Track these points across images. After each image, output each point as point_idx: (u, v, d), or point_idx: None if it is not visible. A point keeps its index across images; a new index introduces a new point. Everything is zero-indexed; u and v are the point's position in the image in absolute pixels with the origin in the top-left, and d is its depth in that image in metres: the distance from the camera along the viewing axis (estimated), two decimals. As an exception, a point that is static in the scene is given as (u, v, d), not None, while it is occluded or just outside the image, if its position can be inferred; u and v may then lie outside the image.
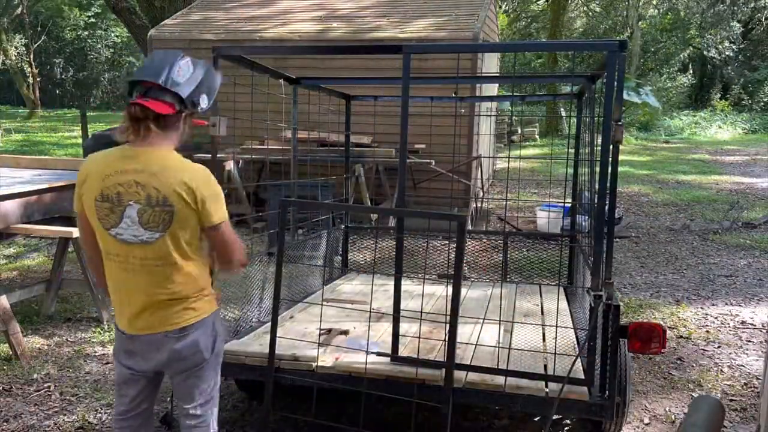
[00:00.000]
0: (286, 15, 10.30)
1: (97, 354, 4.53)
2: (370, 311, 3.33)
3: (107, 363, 4.37)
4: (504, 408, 3.49)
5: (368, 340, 3.06)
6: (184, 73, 2.15)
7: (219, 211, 2.19)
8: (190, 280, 2.23)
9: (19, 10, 28.86)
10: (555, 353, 2.92)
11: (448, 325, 2.64)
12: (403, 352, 2.98)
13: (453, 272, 2.64)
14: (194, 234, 2.19)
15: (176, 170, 2.13)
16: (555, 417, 3.29)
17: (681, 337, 4.95)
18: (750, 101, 26.63)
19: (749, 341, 4.88)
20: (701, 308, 5.62)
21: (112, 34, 33.66)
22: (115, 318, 2.33)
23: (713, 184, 12.17)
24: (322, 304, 3.32)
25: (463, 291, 4.49)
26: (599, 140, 2.72)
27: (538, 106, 20.78)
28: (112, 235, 2.16)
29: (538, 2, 29.46)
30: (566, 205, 5.78)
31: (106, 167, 2.16)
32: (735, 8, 26.67)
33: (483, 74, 8.74)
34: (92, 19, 32.97)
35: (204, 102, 2.22)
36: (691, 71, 28.53)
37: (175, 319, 2.23)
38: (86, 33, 33.76)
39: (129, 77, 2.18)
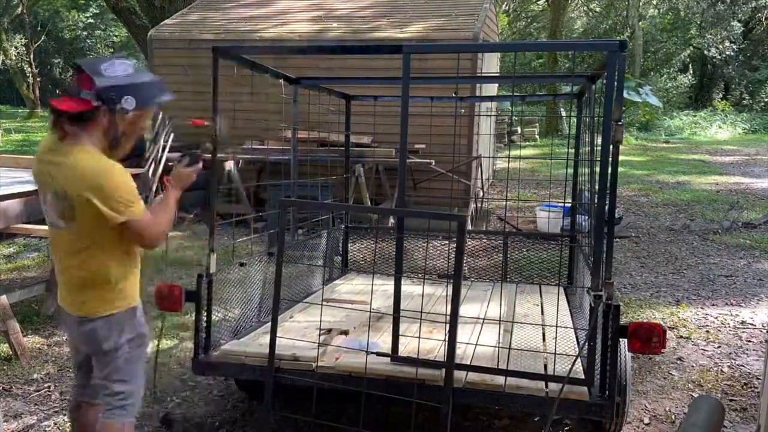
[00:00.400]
0: (286, 15, 10.30)
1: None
2: (370, 311, 3.33)
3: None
4: (504, 408, 3.49)
5: (368, 340, 3.06)
6: (115, 70, 2.24)
7: (123, 209, 2.22)
8: (100, 271, 2.35)
9: (19, 10, 28.85)
10: (555, 353, 2.92)
11: (448, 326, 2.64)
12: (403, 352, 2.98)
13: (453, 272, 2.64)
14: (100, 227, 2.26)
15: (81, 168, 2.20)
16: (555, 417, 3.28)
17: (681, 337, 4.95)
18: (750, 101, 26.64)
19: (749, 341, 4.88)
20: (701, 308, 5.62)
21: (112, 34, 33.67)
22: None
23: (713, 184, 12.16)
24: (322, 304, 3.32)
25: (463, 291, 4.49)
26: (599, 140, 2.72)
27: (538, 106, 20.78)
28: (44, 213, 2.38)
29: (538, 2, 29.46)
30: (566, 205, 5.78)
31: (40, 150, 2.38)
32: (735, 8, 26.66)
33: (483, 74, 8.74)
34: (91, 20, 32.97)
35: (127, 104, 2.25)
36: (691, 71, 28.54)
37: (80, 305, 2.41)
38: (86, 33, 33.77)
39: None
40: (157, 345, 3.89)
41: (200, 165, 2.55)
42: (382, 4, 10.29)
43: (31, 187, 4.75)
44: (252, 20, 10.18)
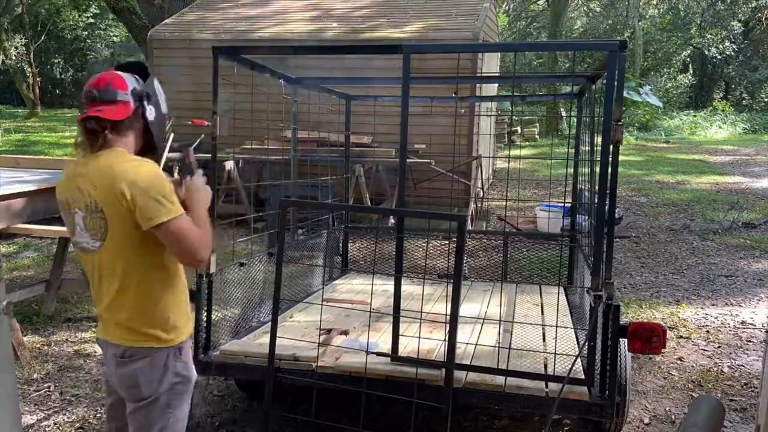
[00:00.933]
0: (285, 14, 10.29)
1: (97, 354, 4.52)
2: (370, 311, 3.33)
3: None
4: (504, 408, 3.49)
5: (368, 340, 3.06)
6: (155, 83, 2.15)
7: (160, 210, 1.96)
8: (139, 297, 2.07)
9: (19, 10, 28.85)
10: (555, 353, 2.92)
11: (448, 326, 2.64)
12: (403, 352, 2.98)
13: (453, 273, 2.64)
14: (139, 244, 2.03)
15: (113, 174, 1.99)
16: (555, 417, 3.28)
17: (681, 337, 4.95)
18: (750, 101, 26.63)
19: (749, 341, 4.88)
20: (701, 308, 5.62)
21: (112, 35, 33.65)
22: None
23: (713, 184, 12.16)
24: (322, 304, 3.32)
25: (463, 291, 4.49)
26: (599, 140, 2.72)
27: (538, 106, 20.77)
28: (74, 242, 2.13)
29: (538, 2, 29.46)
30: (566, 205, 5.78)
31: (66, 176, 2.14)
32: (735, 8, 26.67)
33: (483, 74, 8.74)
34: (91, 20, 32.96)
35: (150, 113, 2.12)
36: (691, 71, 28.53)
37: (120, 335, 2.10)
38: (86, 33, 33.75)
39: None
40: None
41: (201, 173, 2.26)
42: (381, 3, 10.29)
43: (31, 187, 4.75)
44: (251, 20, 10.18)
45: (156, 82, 2.17)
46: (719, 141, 20.38)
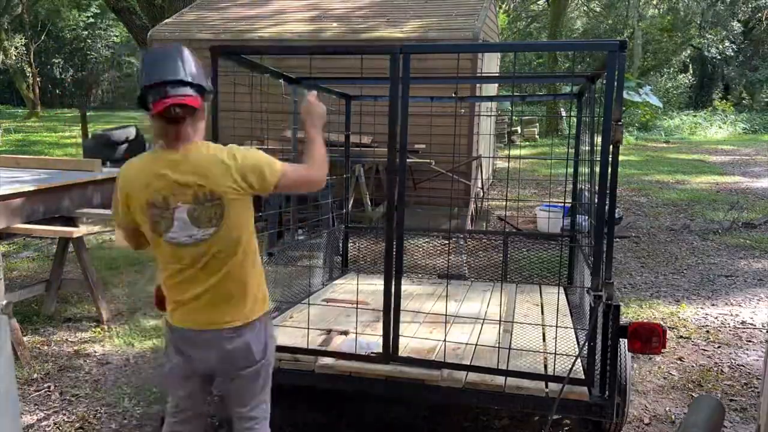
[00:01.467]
0: (285, 14, 10.29)
1: (97, 354, 4.52)
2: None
3: (107, 363, 4.37)
4: (504, 408, 3.49)
5: (368, 340, 3.06)
6: (194, 62, 2.10)
7: (269, 170, 2.14)
8: (245, 278, 2.21)
9: (19, 10, 28.85)
10: (555, 353, 2.92)
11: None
12: (403, 352, 2.98)
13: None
14: (247, 224, 2.19)
15: (215, 160, 2.09)
16: (555, 417, 3.28)
17: (681, 337, 4.95)
18: (751, 101, 26.64)
19: (749, 341, 4.88)
20: (701, 308, 5.62)
21: (112, 34, 33.66)
22: (169, 315, 2.29)
23: (713, 184, 12.16)
24: (321, 305, 3.32)
25: (463, 291, 4.49)
26: (599, 140, 2.72)
27: (538, 106, 20.78)
28: (167, 240, 2.14)
29: (538, 2, 29.46)
30: (566, 205, 5.78)
31: (146, 175, 2.13)
32: (735, 8, 26.67)
33: (483, 74, 8.73)
34: (91, 19, 32.96)
35: (209, 86, 2.17)
36: (691, 71, 28.54)
37: (228, 317, 2.20)
38: (86, 33, 33.75)
39: (144, 81, 2.08)
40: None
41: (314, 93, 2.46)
42: (381, 3, 10.29)
43: (30, 187, 4.76)
44: (251, 20, 10.18)
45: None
46: (719, 141, 20.39)
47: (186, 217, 2.11)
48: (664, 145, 19.08)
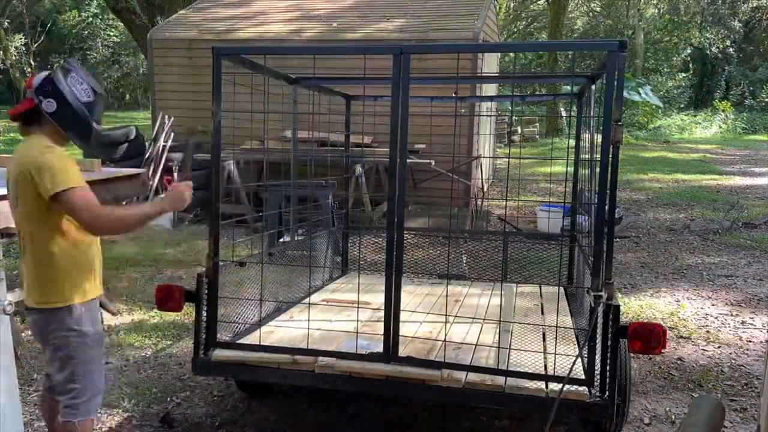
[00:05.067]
0: (286, 15, 10.30)
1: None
2: (370, 311, 3.33)
3: (107, 363, 4.37)
4: (504, 408, 3.49)
5: (368, 340, 3.06)
6: (56, 80, 2.46)
7: (53, 182, 2.34)
8: (44, 257, 2.47)
9: (18, 10, 28.85)
10: (555, 353, 2.92)
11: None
12: (403, 352, 2.98)
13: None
14: (37, 209, 2.41)
15: (23, 153, 2.45)
16: (555, 417, 3.28)
17: (681, 337, 4.95)
18: (751, 101, 26.64)
19: (749, 341, 4.88)
20: (701, 308, 5.62)
21: (112, 35, 33.66)
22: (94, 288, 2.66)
23: (713, 184, 12.16)
24: (321, 305, 3.32)
25: (464, 291, 4.49)
26: (599, 140, 2.72)
27: (538, 106, 20.78)
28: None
29: (538, 2, 29.46)
30: (566, 205, 5.78)
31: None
32: (735, 7, 26.67)
33: (483, 74, 8.74)
34: (91, 19, 32.96)
35: (47, 106, 2.45)
36: (691, 70, 28.54)
37: (33, 295, 2.53)
38: (86, 32, 33.75)
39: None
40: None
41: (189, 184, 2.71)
42: (382, 4, 10.29)
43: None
44: (252, 20, 10.19)
45: (59, 77, 2.48)
46: (719, 140, 20.39)
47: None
48: (664, 144, 19.08)
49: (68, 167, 2.42)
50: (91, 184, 5.37)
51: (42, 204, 2.40)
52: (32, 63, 28.46)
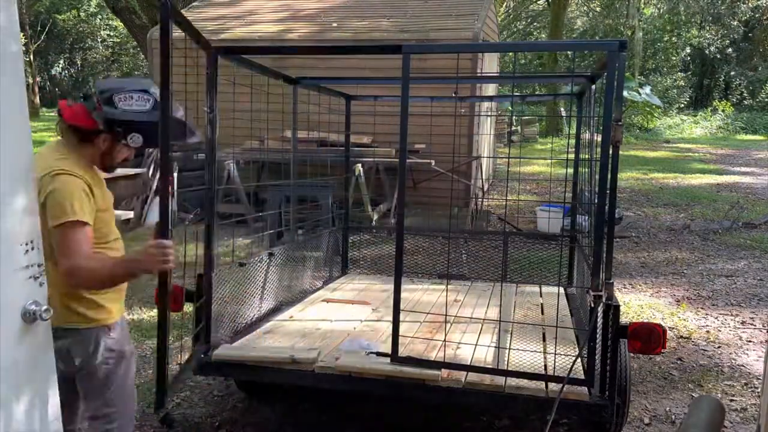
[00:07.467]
0: (287, 15, 10.30)
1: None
2: (370, 311, 3.33)
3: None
4: (504, 408, 3.48)
5: (368, 340, 3.06)
6: (131, 104, 2.36)
7: (53, 216, 2.11)
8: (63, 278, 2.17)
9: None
10: (555, 353, 2.92)
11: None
12: (403, 352, 2.98)
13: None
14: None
15: (39, 164, 2.11)
16: (555, 417, 3.28)
17: (681, 337, 4.95)
18: (751, 101, 26.65)
19: (749, 341, 4.88)
20: (701, 308, 5.62)
21: (113, 35, 33.67)
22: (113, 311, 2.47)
23: (713, 184, 12.16)
24: (321, 305, 3.32)
25: (463, 291, 4.49)
26: (599, 140, 2.71)
27: (538, 106, 20.77)
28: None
29: (538, 2, 29.45)
30: (566, 205, 5.78)
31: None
32: (735, 7, 26.67)
33: (483, 74, 8.73)
34: (91, 18, 32.97)
35: (134, 142, 2.37)
36: (691, 70, 28.54)
37: (56, 315, 2.19)
38: (86, 32, 33.76)
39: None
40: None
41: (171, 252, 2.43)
42: (382, 4, 10.29)
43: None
44: (253, 20, 10.19)
45: (110, 110, 2.31)
46: (719, 141, 20.38)
47: None
48: (664, 144, 19.08)
49: (74, 192, 2.17)
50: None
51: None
52: (32, 63, 28.44)
